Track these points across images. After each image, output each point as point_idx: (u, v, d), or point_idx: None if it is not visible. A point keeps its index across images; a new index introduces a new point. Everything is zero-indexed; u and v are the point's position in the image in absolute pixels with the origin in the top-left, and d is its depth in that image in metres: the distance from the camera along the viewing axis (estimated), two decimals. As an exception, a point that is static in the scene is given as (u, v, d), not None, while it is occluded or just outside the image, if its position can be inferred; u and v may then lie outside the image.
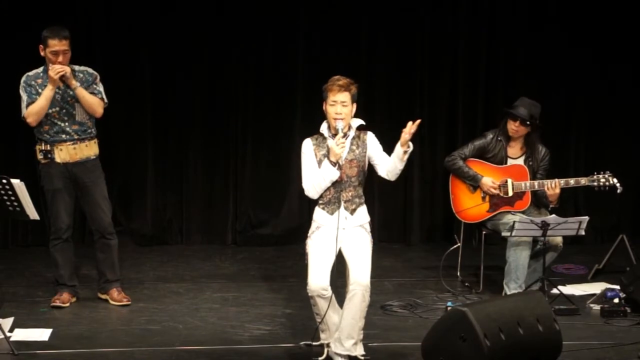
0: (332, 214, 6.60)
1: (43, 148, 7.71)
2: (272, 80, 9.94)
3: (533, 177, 8.12)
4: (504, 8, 9.98)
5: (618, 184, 8.00)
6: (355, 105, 6.60)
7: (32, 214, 6.93)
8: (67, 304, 7.82)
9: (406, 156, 6.52)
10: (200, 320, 7.55)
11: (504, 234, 7.93)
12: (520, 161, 8.18)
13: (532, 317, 6.17)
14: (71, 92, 7.63)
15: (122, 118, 9.67)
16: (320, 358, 6.64)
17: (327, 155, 6.54)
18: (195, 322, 7.50)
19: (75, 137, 7.71)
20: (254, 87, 9.96)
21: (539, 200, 8.16)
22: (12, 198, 6.84)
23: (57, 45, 7.52)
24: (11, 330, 7.14)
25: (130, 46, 9.73)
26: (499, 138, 8.18)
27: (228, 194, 10.06)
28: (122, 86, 9.49)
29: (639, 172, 10.00)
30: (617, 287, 7.89)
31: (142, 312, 7.74)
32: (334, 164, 6.49)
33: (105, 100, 7.76)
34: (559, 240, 7.92)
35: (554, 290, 7.93)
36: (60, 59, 7.53)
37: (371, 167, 6.72)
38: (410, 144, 6.50)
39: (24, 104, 7.63)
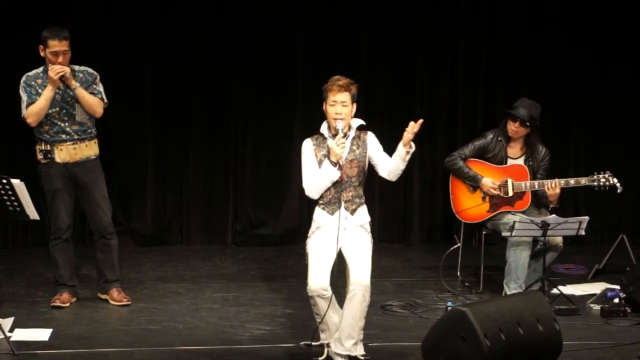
0: (332, 214, 6.60)
1: (43, 148, 7.71)
2: (272, 80, 9.94)
3: (533, 177, 8.12)
4: (504, 8, 9.98)
5: (618, 184, 8.00)
6: (355, 105, 6.60)
7: (32, 214, 6.93)
8: (67, 304, 7.82)
9: (408, 156, 6.53)
10: (200, 320, 7.55)
11: (504, 234, 7.93)
12: (521, 161, 8.18)
13: (532, 317, 6.17)
14: (71, 93, 7.63)
15: (122, 118, 9.67)
16: (320, 358, 6.64)
17: (327, 156, 6.54)
18: (195, 322, 7.50)
19: (75, 137, 7.71)
20: (254, 87, 9.96)
21: (539, 200, 8.16)
22: (12, 198, 6.84)
23: (57, 45, 7.52)
24: (11, 330, 7.14)
25: (130, 46, 9.73)
26: (499, 138, 8.18)
27: (228, 194, 10.06)
28: (122, 86, 9.49)
29: (639, 172, 9.99)
30: (617, 287, 7.89)
31: (142, 312, 7.74)
32: (334, 164, 6.49)
33: (105, 100, 7.76)
34: (559, 240, 7.92)
35: (554, 290, 7.93)
36: (60, 59, 7.53)
37: (371, 167, 6.72)
38: (413, 144, 6.51)
39: (23, 105, 7.63)
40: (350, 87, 6.54)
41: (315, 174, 6.57)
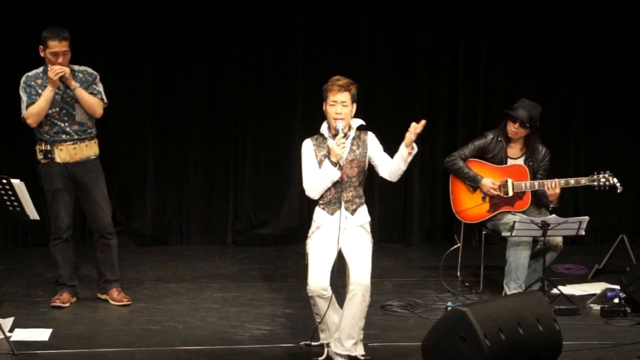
0: (332, 214, 6.60)
1: (43, 148, 7.71)
2: (272, 80, 9.94)
3: (533, 177, 8.12)
4: (504, 8, 9.98)
5: (618, 184, 8.00)
6: (355, 106, 6.60)
7: (32, 214, 6.93)
8: (67, 304, 7.82)
9: (410, 157, 6.54)
10: (200, 320, 7.55)
11: (504, 234, 7.93)
12: (521, 161, 8.18)
13: (532, 317, 6.17)
14: (71, 93, 7.63)
15: (122, 118, 9.67)
16: (320, 358, 6.64)
17: (327, 156, 6.54)
18: (195, 322, 7.50)
19: (75, 137, 7.71)
20: (254, 87, 9.96)
21: (539, 200, 8.16)
22: (12, 198, 6.84)
23: (57, 46, 7.52)
24: (11, 330, 7.14)
25: (130, 46, 9.73)
26: (499, 138, 8.18)
27: (228, 194, 10.06)
28: (122, 86, 9.49)
29: (639, 172, 9.99)
30: (617, 287, 7.89)
31: (142, 312, 7.74)
32: (334, 164, 6.49)
33: (105, 100, 7.76)
34: (559, 240, 7.92)
35: (554, 290, 7.93)
36: (60, 60, 7.53)
37: (371, 167, 6.72)
38: (415, 145, 6.51)
39: (23, 105, 7.63)
40: (350, 87, 6.54)
41: (316, 174, 6.57)
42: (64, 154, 7.68)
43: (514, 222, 7.73)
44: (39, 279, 8.59)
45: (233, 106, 9.96)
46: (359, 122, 6.67)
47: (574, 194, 9.94)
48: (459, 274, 8.65)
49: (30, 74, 7.70)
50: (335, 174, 6.51)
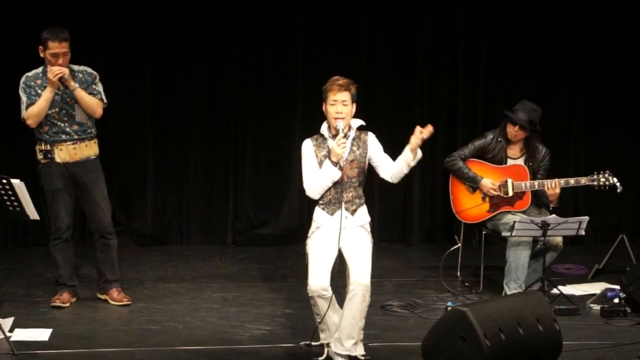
0: (332, 214, 6.60)
1: (43, 148, 7.71)
2: (272, 80, 9.94)
3: (533, 178, 8.12)
4: (504, 8, 9.98)
5: (618, 183, 8.00)
6: (355, 106, 6.60)
7: (32, 214, 6.93)
8: (67, 304, 7.82)
9: (414, 162, 6.55)
10: (200, 320, 7.55)
11: (504, 234, 7.93)
12: (520, 161, 8.17)
13: (532, 317, 6.17)
14: (70, 93, 7.62)
15: (122, 118, 9.67)
16: (320, 358, 6.64)
17: (327, 156, 6.54)
18: (195, 322, 7.50)
19: (75, 137, 7.71)
20: (254, 87, 9.96)
21: (539, 200, 8.16)
22: (12, 198, 6.84)
23: (57, 47, 7.51)
24: (11, 330, 7.14)
25: (130, 46, 9.73)
26: (499, 139, 8.17)
27: (228, 194, 10.06)
28: (122, 86, 9.49)
29: (639, 172, 10.00)
30: (617, 287, 7.89)
31: (142, 312, 7.74)
32: (335, 164, 6.49)
33: (105, 100, 7.76)
34: (559, 240, 7.92)
35: (554, 290, 7.93)
36: (60, 61, 7.53)
37: (370, 167, 6.71)
38: (419, 150, 6.53)
39: (23, 106, 7.63)
40: (350, 87, 6.55)
41: (316, 174, 6.57)
42: (63, 154, 7.68)
43: (514, 222, 7.73)
44: (39, 279, 8.59)
45: (233, 106, 9.96)
46: (359, 122, 6.67)
47: (574, 194, 9.94)
48: (459, 274, 8.65)
49: (29, 74, 7.70)
50: (336, 174, 6.51)
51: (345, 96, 6.52)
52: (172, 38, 9.76)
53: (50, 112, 7.62)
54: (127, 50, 9.72)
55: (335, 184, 6.57)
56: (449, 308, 7.48)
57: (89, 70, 7.78)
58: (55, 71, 7.48)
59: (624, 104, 10.10)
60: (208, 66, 9.87)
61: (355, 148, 6.61)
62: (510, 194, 8.08)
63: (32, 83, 7.65)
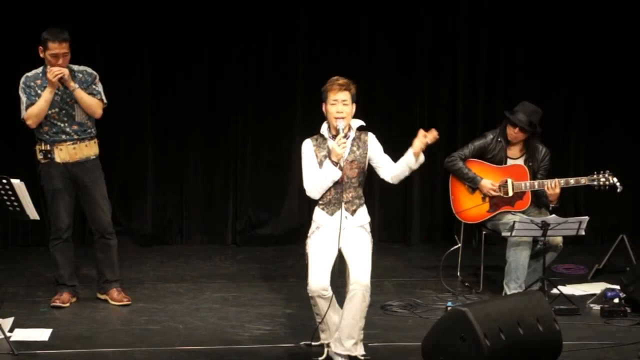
0: (332, 214, 6.60)
1: (43, 148, 7.71)
2: (272, 80, 9.94)
3: (533, 177, 8.12)
4: (504, 8, 9.98)
5: (618, 183, 8.00)
6: (354, 106, 6.60)
7: (32, 214, 6.93)
8: (67, 304, 7.82)
9: (416, 165, 6.56)
10: (200, 320, 7.55)
11: (504, 234, 7.93)
12: (520, 161, 8.17)
13: (532, 317, 6.17)
14: (70, 93, 7.62)
15: (122, 118, 9.67)
16: (320, 358, 6.64)
17: (327, 156, 6.54)
18: (195, 322, 7.50)
19: (75, 137, 7.71)
20: (254, 87, 9.96)
21: (539, 200, 8.15)
22: (12, 198, 6.84)
23: (57, 48, 7.51)
24: (11, 330, 7.14)
25: (130, 46, 9.73)
26: (499, 139, 8.17)
27: (228, 194, 10.06)
28: (122, 86, 9.49)
29: (639, 172, 10.00)
30: (617, 287, 7.89)
31: (142, 312, 7.74)
32: (335, 163, 6.49)
33: (105, 100, 7.76)
34: (559, 240, 7.92)
35: (554, 290, 7.93)
36: (60, 61, 7.52)
37: (370, 167, 6.71)
38: (422, 154, 6.53)
39: (23, 106, 7.63)
40: (350, 87, 6.55)
41: (316, 174, 6.56)
42: (63, 154, 7.68)
43: (514, 222, 7.73)
44: (39, 279, 8.59)
45: (233, 106, 9.97)
46: (359, 122, 6.67)
47: (574, 194, 9.94)
48: (459, 274, 8.65)
49: (29, 74, 7.70)
50: (336, 174, 6.51)
51: (345, 96, 6.52)
52: (172, 38, 9.76)
53: (50, 112, 7.62)
54: (127, 50, 9.72)
55: (335, 184, 6.57)
56: (449, 308, 7.48)
57: (89, 70, 7.78)
58: (55, 72, 7.48)
59: (624, 104, 10.10)
60: (208, 66, 9.87)
61: (355, 148, 6.61)
62: (510, 194, 8.08)
63: (32, 83, 7.65)
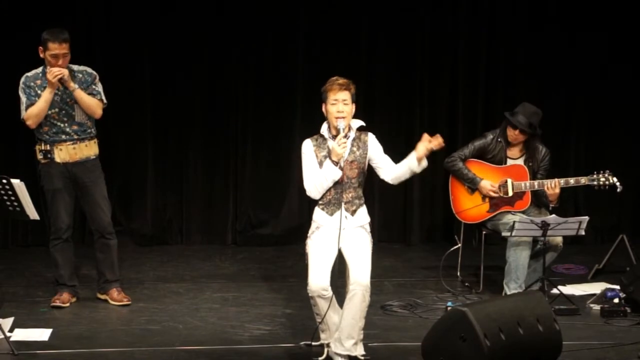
0: (332, 215, 6.60)
1: (43, 148, 7.71)
2: (272, 80, 9.94)
3: (533, 178, 8.11)
4: (504, 8, 9.98)
5: (618, 183, 8.00)
6: (354, 106, 6.60)
7: (32, 214, 6.93)
8: (67, 304, 7.82)
9: (419, 169, 6.57)
10: (200, 320, 7.55)
11: (504, 234, 7.93)
12: (520, 161, 8.17)
13: (532, 317, 6.16)
14: (70, 94, 7.61)
15: (122, 118, 9.66)
16: (320, 358, 6.64)
17: (327, 156, 6.54)
18: (195, 322, 7.50)
19: (75, 137, 7.71)
20: (254, 87, 9.96)
21: (539, 200, 8.15)
22: (12, 198, 6.84)
23: (57, 48, 7.51)
24: (11, 330, 7.14)
25: (130, 46, 9.73)
26: (499, 139, 8.17)
27: (228, 194, 10.06)
28: (122, 86, 9.49)
29: (639, 172, 10.00)
30: (617, 287, 7.89)
31: (142, 312, 7.74)
32: (335, 163, 6.49)
33: (105, 100, 7.76)
34: (559, 240, 7.92)
35: (554, 290, 7.93)
36: (59, 62, 7.52)
37: (370, 168, 6.71)
38: (425, 159, 6.54)
39: (23, 106, 7.63)
40: (350, 87, 6.55)
41: (317, 174, 6.56)
42: (63, 154, 7.68)
43: (514, 222, 7.73)
44: (39, 279, 8.59)
45: (233, 106, 9.97)
46: (359, 123, 6.67)
47: (574, 194, 9.94)
48: (459, 274, 8.65)
49: (29, 74, 7.70)
50: (337, 173, 6.51)
51: (345, 95, 6.52)
52: (172, 38, 9.76)
53: (50, 112, 7.62)
54: (127, 50, 9.72)
55: (335, 185, 6.57)
56: (449, 308, 7.48)
57: (89, 70, 7.78)
58: (55, 72, 7.47)
59: (624, 104, 10.10)
60: (208, 66, 9.87)
61: (355, 149, 6.61)
62: (510, 194, 8.08)
63: (32, 83, 7.65)
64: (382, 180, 6.76)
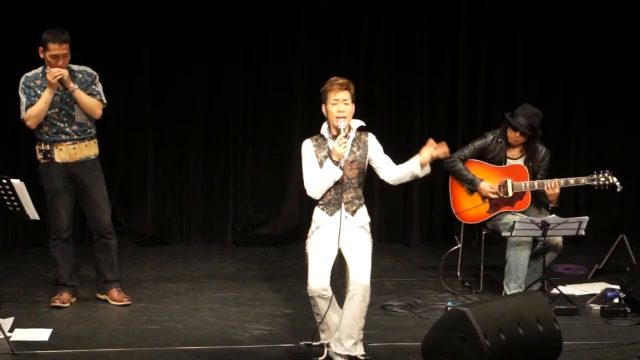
0: (331, 215, 6.60)
1: (43, 148, 7.70)
2: (272, 80, 9.94)
3: (533, 178, 8.11)
4: (504, 8, 9.97)
5: (618, 183, 8.00)
6: (354, 106, 6.60)
7: (32, 214, 6.93)
8: (67, 304, 7.81)
9: (422, 174, 6.57)
10: (200, 320, 7.54)
11: (504, 234, 7.92)
12: (520, 162, 8.17)
13: (532, 317, 6.17)
14: (70, 94, 7.61)
15: (122, 118, 9.67)
16: (320, 358, 6.64)
17: (328, 156, 6.54)
18: (195, 322, 7.50)
19: (75, 137, 7.71)
20: (254, 87, 9.95)
21: (539, 200, 8.15)
22: (12, 198, 6.84)
23: (57, 49, 7.51)
24: (11, 330, 7.14)
25: (130, 46, 9.73)
26: (499, 140, 8.16)
27: (228, 194, 10.05)
28: (122, 86, 9.50)
29: (639, 172, 9.99)
30: (617, 287, 7.89)
31: (142, 312, 7.74)
32: (336, 163, 6.49)
33: (104, 100, 7.75)
34: (559, 240, 7.92)
35: (554, 290, 7.93)
36: (60, 62, 7.52)
37: (370, 168, 6.71)
38: (428, 165, 6.54)
39: (23, 106, 7.63)
40: (350, 86, 6.56)
41: (317, 174, 6.56)
42: (63, 153, 7.68)
43: (514, 222, 7.73)
44: (39, 279, 8.59)
45: (233, 106, 9.96)
46: (359, 123, 6.67)
47: (574, 194, 9.94)
48: (459, 274, 8.65)
49: (29, 74, 7.70)
50: (337, 173, 6.51)
51: (345, 95, 6.53)
52: (172, 38, 9.76)
53: (49, 112, 7.61)
54: (127, 50, 9.71)
55: (336, 185, 6.57)
56: (449, 308, 7.48)
57: (89, 70, 7.77)
58: (55, 73, 7.47)
59: (624, 104, 10.09)
60: (208, 66, 9.87)
61: (355, 149, 6.61)
62: (510, 194, 8.08)
63: (32, 83, 7.64)
64: (382, 181, 6.76)
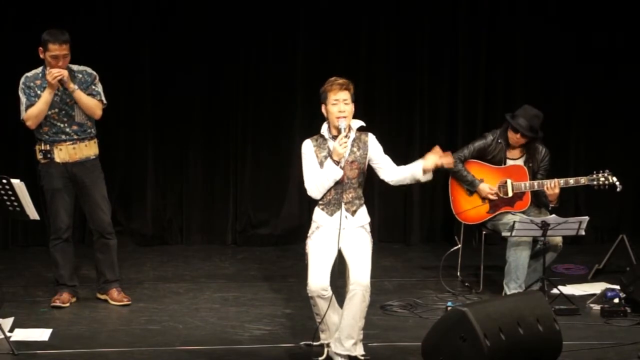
0: (331, 215, 6.60)
1: (42, 148, 7.70)
2: (272, 80, 9.94)
3: (533, 178, 8.11)
4: (504, 8, 9.98)
5: (617, 182, 8.00)
6: (354, 106, 6.60)
7: (32, 214, 6.94)
8: (67, 304, 7.81)
9: (424, 179, 6.58)
10: (200, 320, 7.55)
11: (504, 234, 7.92)
12: (520, 162, 8.17)
13: (532, 317, 6.17)
14: (70, 94, 7.61)
15: (122, 118, 9.67)
16: (320, 358, 6.64)
17: (328, 156, 6.54)
18: (195, 322, 7.50)
19: (75, 137, 7.71)
20: (254, 87, 9.96)
21: (539, 200, 8.15)
22: (12, 198, 6.84)
23: (57, 50, 7.50)
24: (11, 330, 7.14)
25: (130, 46, 9.73)
26: (499, 140, 8.16)
27: (228, 194, 10.05)
28: (122, 86, 9.50)
29: (639, 172, 9.99)
30: (617, 287, 7.89)
31: (142, 312, 7.74)
32: (336, 163, 6.49)
33: (104, 101, 7.75)
34: (559, 240, 7.92)
35: (554, 290, 7.93)
36: (59, 63, 7.52)
37: (370, 168, 6.71)
38: (431, 172, 6.54)
39: (22, 107, 7.63)
40: (350, 86, 6.56)
41: (318, 174, 6.56)
42: (63, 154, 7.68)
43: (514, 222, 7.73)
44: (39, 279, 8.59)
45: (233, 106, 9.96)
46: (359, 123, 6.67)
47: (574, 193, 9.94)
48: (459, 274, 8.65)
49: (29, 74, 7.70)
50: (338, 173, 6.51)
51: (345, 95, 6.52)
52: (172, 38, 9.76)
53: (49, 112, 7.61)
54: (127, 50, 9.71)
55: (336, 185, 6.57)
56: (449, 308, 7.48)
57: (89, 70, 7.77)
58: (54, 74, 7.47)
59: (624, 104, 10.09)
60: (208, 66, 9.87)
61: (355, 149, 6.61)
62: (510, 194, 8.08)
63: (32, 84, 7.64)
64: (382, 181, 6.75)
